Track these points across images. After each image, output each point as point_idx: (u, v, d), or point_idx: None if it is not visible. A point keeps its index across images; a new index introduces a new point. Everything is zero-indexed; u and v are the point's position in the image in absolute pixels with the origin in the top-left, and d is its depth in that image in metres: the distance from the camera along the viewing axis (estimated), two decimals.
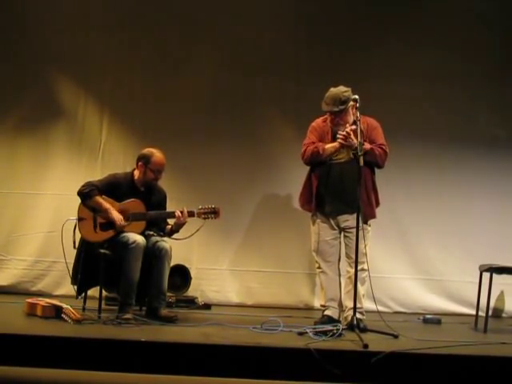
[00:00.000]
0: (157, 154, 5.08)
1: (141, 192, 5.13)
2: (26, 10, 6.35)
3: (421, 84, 6.27)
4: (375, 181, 5.10)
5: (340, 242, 5.10)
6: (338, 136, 4.88)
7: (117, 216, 4.93)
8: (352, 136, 4.79)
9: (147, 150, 5.12)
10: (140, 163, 5.09)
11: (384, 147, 5.02)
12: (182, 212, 5.02)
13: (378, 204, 5.12)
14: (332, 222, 5.06)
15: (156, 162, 5.06)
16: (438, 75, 6.29)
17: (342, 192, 4.97)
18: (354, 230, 4.75)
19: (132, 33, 6.33)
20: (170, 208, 5.23)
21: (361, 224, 4.66)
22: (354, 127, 4.82)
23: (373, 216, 5.05)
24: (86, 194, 4.95)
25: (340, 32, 6.35)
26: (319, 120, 5.16)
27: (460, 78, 6.31)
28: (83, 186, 4.99)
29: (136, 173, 5.14)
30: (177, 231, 5.13)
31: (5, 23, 6.33)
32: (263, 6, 6.36)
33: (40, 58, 6.31)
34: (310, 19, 6.33)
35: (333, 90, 4.94)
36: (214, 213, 5.09)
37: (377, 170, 5.10)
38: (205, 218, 5.09)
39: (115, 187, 5.05)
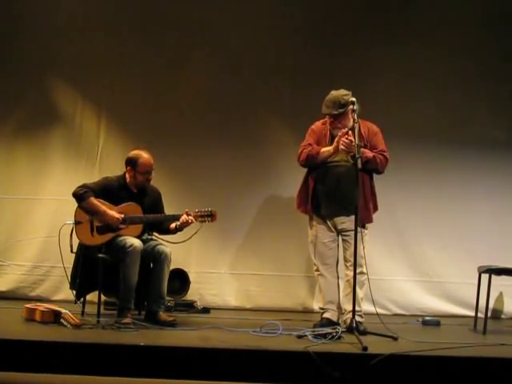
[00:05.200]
0: (144, 156, 5.06)
1: (134, 194, 5.12)
2: (24, 15, 6.34)
3: (418, 85, 6.28)
4: (374, 186, 5.11)
5: (338, 245, 5.11)
6: (341, 143, 4.83)
7: (112, 214, 4.92)
8: (354, 144, 4.79)
9: (133, 153, 5.11)
10: (128, 168, 5.09)
11: (385, 154, 5.04)
12: (187, 216, 5.01)
13: (376, 209, 5.13)
14: (329, 224, 5.06)
15: (143, 164, 5.05)
16: (436, 76, 6.29)
17: (338, 194, 4.98)
18: (352, 233, 4.76)
19: (129, 37, 6.32)
20: (167, 211, 5.24)
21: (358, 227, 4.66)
22: (349, 131, 4.83)
23: (369, 220, 5.06)
24: (81, 195, 4.94)
25: (337, 34, 6.34)
26: (318, 123, 5.17)
27: (458, 78, 6.31)
28: (78, 188, 4.97)
29: (127, 176, 5.13)
30: (181, 230, 5.12)
31: (2, 28, 6.33)
32: (260, 10, 6.36)
33: (37, 63, 6.30)
34: (307, 22, 6.34)
35: (333, 93, 4.95)
36: (211, 216, 5.08)
37: (377, 175, 5.12)
38: (201, 222, 5.08)
39: (109, 190, 5.05)
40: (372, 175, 5.09)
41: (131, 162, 5.07)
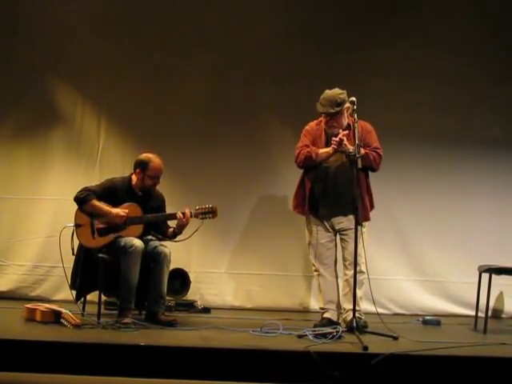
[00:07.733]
0: (154, 160, 5.06)
1: (139, 197, 5.11)
2: (25, 16, 6.34)
3: (418, 84, 6.27)
4: (369, 184, 5.11)
5: (336, 245, 5.11)
6: (332, 142, 4.88)
7: (117, 212, 4.91)
8: (345, 142, 4.80)
9: (145, 156, 5.10)
10: (138, 170, 5.08)
11: (379, 150, 5.03)
12: (184, 213, 5.00)
13: (372, 207, 5.13)
14: (326, 224, 5.06)
15: (153, 169, 5.04)
16: (436, 75, 6.29)
17: (335, 195, 4.98)
18: (349, 232, 4.78)
19: (130, 38, 6.32)
20: (168, 211, 5.22)
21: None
22: (346, 132, 4.83)
23: (366, 218, 5.05)
24: (83, 199, 4.95)
25: (338, 34, 6.34)
26: (313, 123, 5.16)
27: (458, 78, 6.30)
28: (80, 192, 4.98)
29: (134, 178, 5.12)
30: (180, 233, 5.12)
31: (3, 29, 6.33)
32: (260, 11, 6.36)
33: (37, 64, 6.30)
34: (307, 22, 6.33)
35: (328, 92, 4.95)
36: (212, 212, 5.08)
37: (373, 172, 5.11)
38: (202, 219, 5.07)
39: (112, 192, 5.04)
40: (368, 173, 5.09)
41: (141, 165, 5.06)
